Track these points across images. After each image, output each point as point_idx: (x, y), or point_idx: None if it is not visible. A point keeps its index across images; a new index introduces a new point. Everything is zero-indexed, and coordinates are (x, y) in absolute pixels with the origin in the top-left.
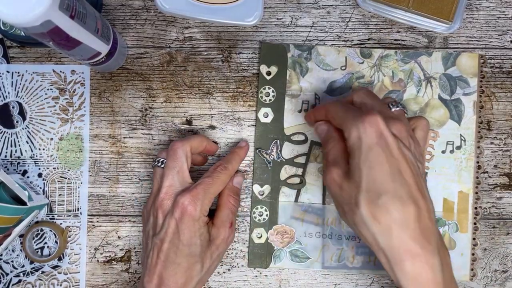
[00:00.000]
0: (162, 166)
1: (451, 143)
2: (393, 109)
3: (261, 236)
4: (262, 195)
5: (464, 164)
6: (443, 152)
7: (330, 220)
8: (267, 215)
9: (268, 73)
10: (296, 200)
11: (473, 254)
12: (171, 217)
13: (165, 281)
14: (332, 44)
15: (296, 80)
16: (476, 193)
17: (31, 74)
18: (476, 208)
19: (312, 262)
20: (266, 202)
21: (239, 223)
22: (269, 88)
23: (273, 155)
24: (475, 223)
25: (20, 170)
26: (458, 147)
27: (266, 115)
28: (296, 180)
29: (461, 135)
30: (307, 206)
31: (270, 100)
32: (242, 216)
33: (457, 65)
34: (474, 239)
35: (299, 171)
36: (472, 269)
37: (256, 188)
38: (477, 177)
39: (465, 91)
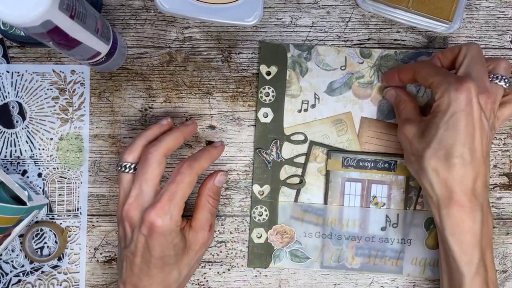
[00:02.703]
0: (128, 171)
1: None
2: (494, 82)
3: (260, 236)
4: (261, 195)
5: None
6: None
7: (330, 219)
8: (266, 215)
9: (268, 73)
10: (295, 200)
11: None
12: (139, 233)
13: None
14: (332, 44)
15: (296, 80)
16: None
17: (31, 74)
18: None
19: (311, 262)
20: (265, 202)
21: (239, 223)
22: (269, 88)
23: (272, 155)
24: None
25: (20, 170)
26: None
27: (265, 115)
28: (296, 180)
29: None
30: (307, 206)
31: (270, 100)
32: (242, 216)
33: None
34: None
35: (299, 171)
36: None
37: (256, 188)
38: None
39: None
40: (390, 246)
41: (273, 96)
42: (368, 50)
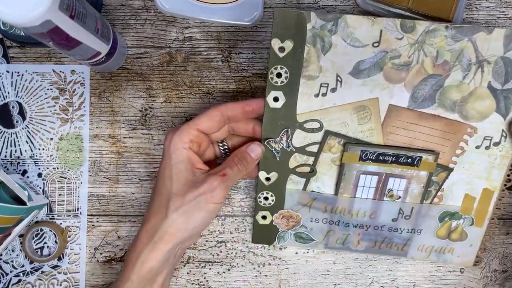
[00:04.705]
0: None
1: (489, 138)
2: None
3: (266, 218)
4: (268, 181)
5: (498, 161)
6: (477, 147)
7: (339, 209)
8: (273, 200)
9: (281, 49)
10: (304, 188)
11: (483, 245)
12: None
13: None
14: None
15: (316, 58)
16: (503, 190)
17: (31, 74)
18: (498, 205)
19: (316, 244)
20: (272, 188)
21: (239, 223)
22: (281, 68)
23: (282, 143)
24: (493, 218)
25: (20, 170)
26: (496, 143)
27: (276, 99)
28: (306, 169)
29: (503, 131)
30: (316, 194)
31: (282, 82)
32: (242, 216)
33: None
34: (488, 234)
35: (310, 160)
36: (477, 256)
37: (262, 175)
38: (509, 175)
39: None
40: (398, 235)
41: (286, 77)
42: (411, 22)
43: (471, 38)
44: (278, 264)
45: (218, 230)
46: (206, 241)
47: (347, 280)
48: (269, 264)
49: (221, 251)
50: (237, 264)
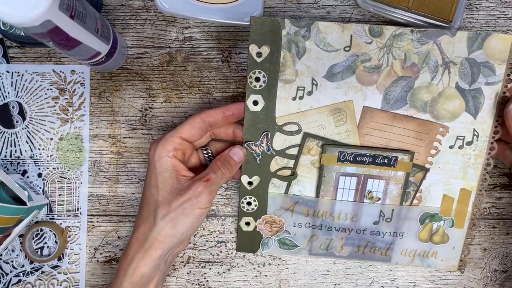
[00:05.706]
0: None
1: (462, 138)
2: None
3: (249, 224)
4: (250, 185)
5: (473, 160)
6: (451, 147)
7: (321, 212)
8: (255, 205)
9: (259, 55)
10: (286, 192)
11: (466, 249)
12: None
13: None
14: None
15: (291, 62)
16: (480, 190)
17: (31, 74)
18: (477, 205)
19: (300, 250)
20: (254, 193)
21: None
22: (259, 72)
23: (262, 147)
24: (472, 219)
25: (20, 170)
26: (469, 143)
27: (256, 103)
28: (287, 172)
29: (474, 130)
30: (298, 198)
31: (260, 86)
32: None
33: (485, 48)
34: (469, 236)
35: (291, 163)
36: (461, 260)
37: (245, 179)
38: (484, 175)
39: (489, 80)
40: (381, 238)
41: (264, 81)
42: (379, 28)
43: (436, 41)
44: (278, 264)
45: (218, 230)
46: (206, 241)
47: (347, 280)
48: (269, 264)
49: (221, 251)
50: (237, 264)
